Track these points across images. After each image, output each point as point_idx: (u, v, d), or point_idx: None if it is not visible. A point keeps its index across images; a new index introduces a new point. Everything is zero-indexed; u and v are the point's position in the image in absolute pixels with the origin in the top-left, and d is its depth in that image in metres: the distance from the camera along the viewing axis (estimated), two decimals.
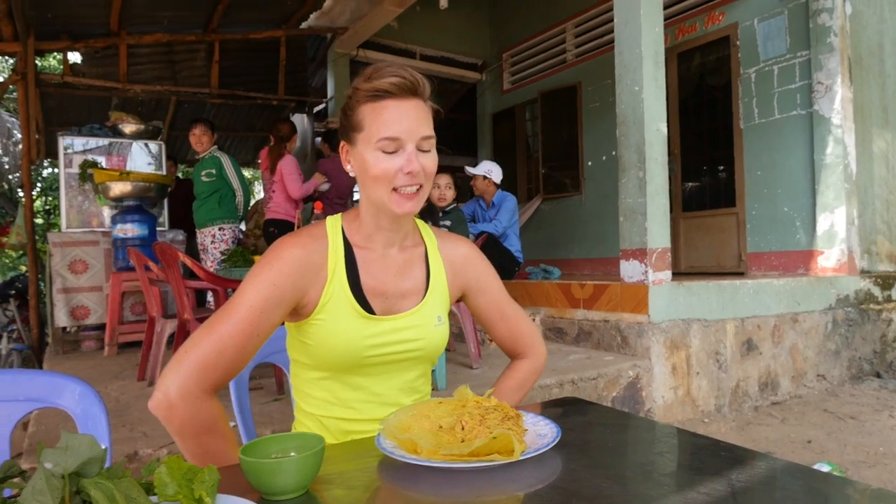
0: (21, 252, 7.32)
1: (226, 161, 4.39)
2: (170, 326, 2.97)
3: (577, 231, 6.67)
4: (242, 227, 5.05)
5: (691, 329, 3.44)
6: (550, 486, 0.74)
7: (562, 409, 1.11)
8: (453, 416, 0.85)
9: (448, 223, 3.86)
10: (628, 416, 1.18)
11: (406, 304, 1.08)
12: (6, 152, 9.19)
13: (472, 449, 0.77)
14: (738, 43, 5.13)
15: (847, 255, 4.42)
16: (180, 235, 4.87)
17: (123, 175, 4.18)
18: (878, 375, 4.27)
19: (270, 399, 2.65)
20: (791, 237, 4.79)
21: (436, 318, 1.09)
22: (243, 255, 3.38)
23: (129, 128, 4.95)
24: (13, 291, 6.39)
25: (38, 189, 11.77)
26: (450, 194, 3.99)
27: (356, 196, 5.53)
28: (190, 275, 2.99)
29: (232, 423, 1.19)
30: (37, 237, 5.37)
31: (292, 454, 0.75)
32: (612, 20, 3.67)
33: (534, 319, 4.06)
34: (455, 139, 8.79)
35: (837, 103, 4.42)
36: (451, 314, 3.32)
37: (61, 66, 6.03)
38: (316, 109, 7.77)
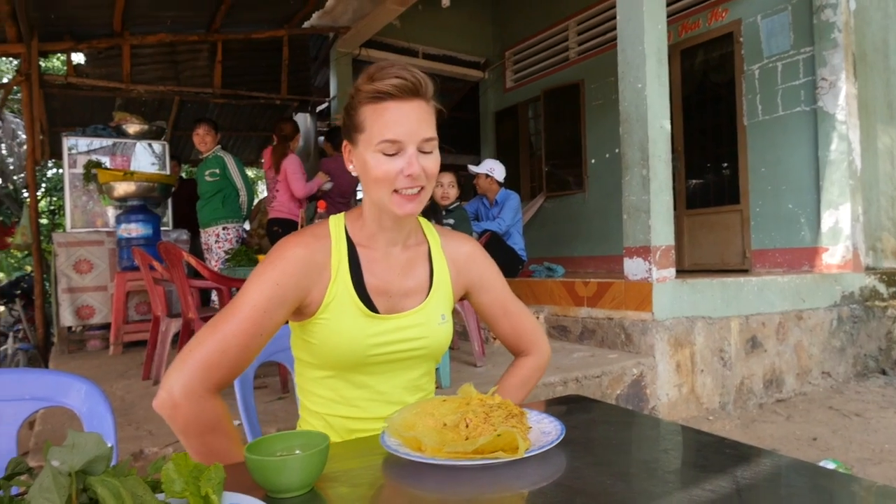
0: (26, 252, 7.35)
1: (229, 161, 4.40)
2: (174, 325, 2.98)
3: (580, 229, 6.66)
4: (246, 226, 5.06)
5: (695, 326, 3.44)
6: (555, 484, 0.74)
7: (566, 407, 1.11)
8: (457, 413, 0.86)
9: (451, 222, 3.86)
10: (632, 414, 1.18)
11: (410, 302, 1.08)
12: (11, 153, 9.24)
13: (477, 446, 0.77)
14: (741, 39, 5.11)
15: (852, 251, 4.40)
16: (184, 235, 4.88)
17: (127, 175, 4.19)
18: (884, 372, 4.25)
19: (275, 397, 2.66)
20: (795, 234, 4.78)
21: (439, 317, 1.09)
22: (247, 254, 3.39)
23: (132, 128, 4.97)
24: (19, 291, 6.42)
25: (42, 189, 11.82)
26: (453, 193, 3.99)
27: (359, 195, 5.54)
28: (194, 274, 3.00)
29: (237, 422, 1.20)
30: (42, 237, 5.39)
31: (297, 452, 0.75)
32: (614, 17, 3.66)
33: (537, 317, 4.06)
34: (458, 137, 8.78)
35: (842, 99, 4.40)
36: (455, 312, 3.31)
37: (65, 67, 6.05)
38: (319, 109, 7.78)
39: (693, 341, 3.42)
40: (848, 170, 4.39)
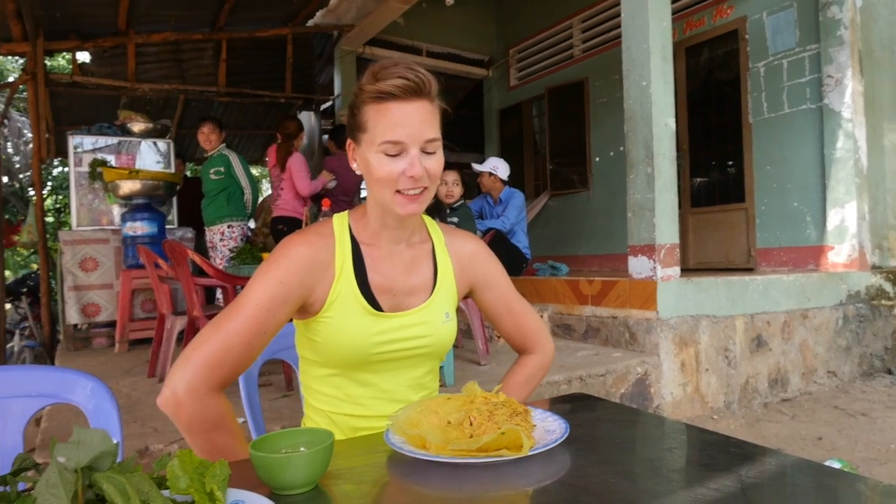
0: (32, 250, 7.39)
1: (234, 159, 4.41)
2: (179, 323, 2.99)
3: (584, 227, 6.64)
4: (251, 224, 5.08)
5: (700, 325, 3.43)
6: (559, 482, 0.74)
7: (570, 406, 1.11)
8: (462, 411, 0.86)
9: (456, 220, 3.86)
10: (637, 413, 1.17)
11: (414, 300, 1.08)
12: (17, 152, 9.29)
13: (481, 444, 0.77)
14: (746, 37, 5.09)
15: (858, 250, 4.38)
16: (189, 233, 4.90)
17: (133, 173, 4.21)
18: (890, 372, 4.23)
19: (280, 395, 2.67)
20: (801, 233, 4.75)
21: (443, 315, 1.09)
22: (252, 252, 3.39)
23: (137, 126, 4.99)
24: (25, 289, 6.47)
25: (48, 188, 11.86)
26: (457, 191, 3.99)
27: (363, 193, 5.54)
28: (199, 272, 3.01)
29: (241, 419, 1.20)
30: (48, 235, 5.42)
31: (302, 449, 0.76)
32: (619, 15, 3.65)
33: (542, 316, 4.05)
34: (462, 136, 8.78)
35: (848, 97, 4.37)
36: (459, 310, 3.31)
37: (70, 66, 6.07)
38: (323, 107, 7.78)
39: (698, 340, 3.41)
40: (854, 168, 4.37)
